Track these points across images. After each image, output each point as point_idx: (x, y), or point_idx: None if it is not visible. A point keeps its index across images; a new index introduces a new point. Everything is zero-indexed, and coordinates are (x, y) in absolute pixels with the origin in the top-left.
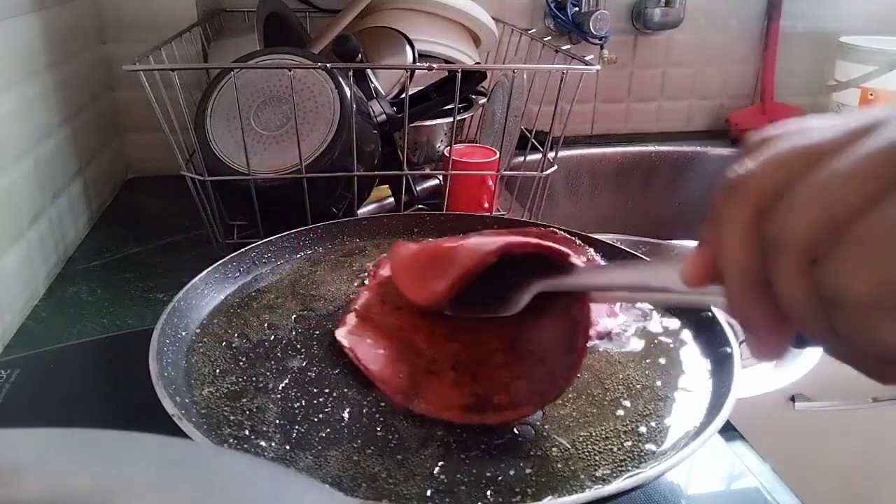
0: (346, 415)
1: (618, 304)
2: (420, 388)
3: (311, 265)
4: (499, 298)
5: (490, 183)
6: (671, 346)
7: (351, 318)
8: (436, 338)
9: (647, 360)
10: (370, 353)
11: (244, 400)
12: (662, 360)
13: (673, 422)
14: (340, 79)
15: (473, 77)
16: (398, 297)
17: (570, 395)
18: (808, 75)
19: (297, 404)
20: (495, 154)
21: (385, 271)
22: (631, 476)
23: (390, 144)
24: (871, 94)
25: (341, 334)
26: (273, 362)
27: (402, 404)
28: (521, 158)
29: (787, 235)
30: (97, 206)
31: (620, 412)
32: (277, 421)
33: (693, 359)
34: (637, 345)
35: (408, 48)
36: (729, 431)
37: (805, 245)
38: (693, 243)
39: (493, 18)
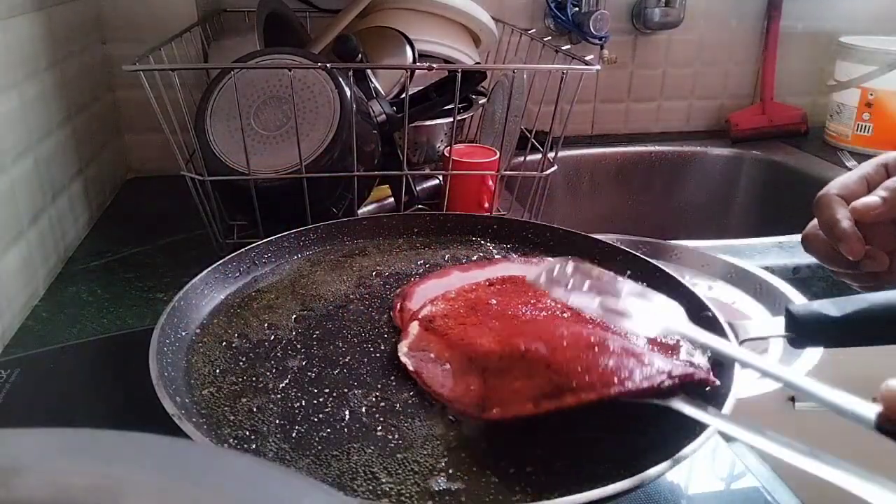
0: (346, 415)
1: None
2: (492, 394)
3: (311, 265)
4: None
5: (490, 183)
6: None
7: (413, 328)
8: (504, 335)
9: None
10: (437, 373)
11: (244, 400)
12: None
13: (673, 422)
14: (340, 79)
15: (473, 77)
16: (462, 312)
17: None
18: (808, 75)
19: (297, 404)
20: (495, 154)
21: (412, 304)
22: (631, 476)
23: (390, 144)
24: (871, 94)
25: (403, 353)
26: (273, 362)
27: (475, 415)
28: (521, 158)
29: None
30: (97, 206)
31: (620, 412)
32: (277, 421)
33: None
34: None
35: (408, 48)
36: None
37: None
38: (693, 243)
39: (493, 18)
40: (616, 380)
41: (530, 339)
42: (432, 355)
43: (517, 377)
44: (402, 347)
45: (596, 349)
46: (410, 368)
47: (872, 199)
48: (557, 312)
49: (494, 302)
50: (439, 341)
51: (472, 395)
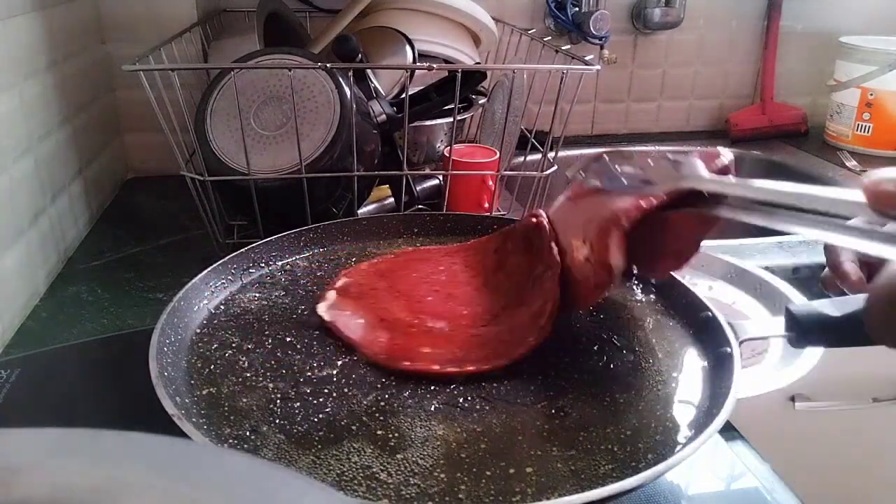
0: (346, 414)
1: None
2: (399, 350)
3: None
4: None
5: (490, 183)
6: (671, 346)
7: (331, 295)
8: (411, 308)
9: (648, 361)
10: (350, 323)
11: (244, 400)
12: (663, 361)
13: (673, 422)
14: (340, 79)
15: (473, 77)
16: (374, 279)
17: (570, 396)
18: (808, 75)
19: (297, 404)
20: (495, 154)
21: (341, 282)
22: (631, 476)
23: (390, 144)
24: (871, 94)
25: (322, 309)
26: (273, 362)
27: (386, 365)
28: (521, 158)
29: None
30: (97, 206)
31: (621, 412)
32: (277, 421)
33: (693, 359)
34: (638, 345)
35: (408, 48)
36: (729, 431)
37: None
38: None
39: (493, 18)
40: (502, 353)
41: (434, 317)
42: (348, 312)
43: (424, 344)
44: (321, 307)
45: (487, 327)
46: (326, 319)
47: None
48: (458, 279)
49: (401, 270)
50: (354, 303)
51: (379, 346)
